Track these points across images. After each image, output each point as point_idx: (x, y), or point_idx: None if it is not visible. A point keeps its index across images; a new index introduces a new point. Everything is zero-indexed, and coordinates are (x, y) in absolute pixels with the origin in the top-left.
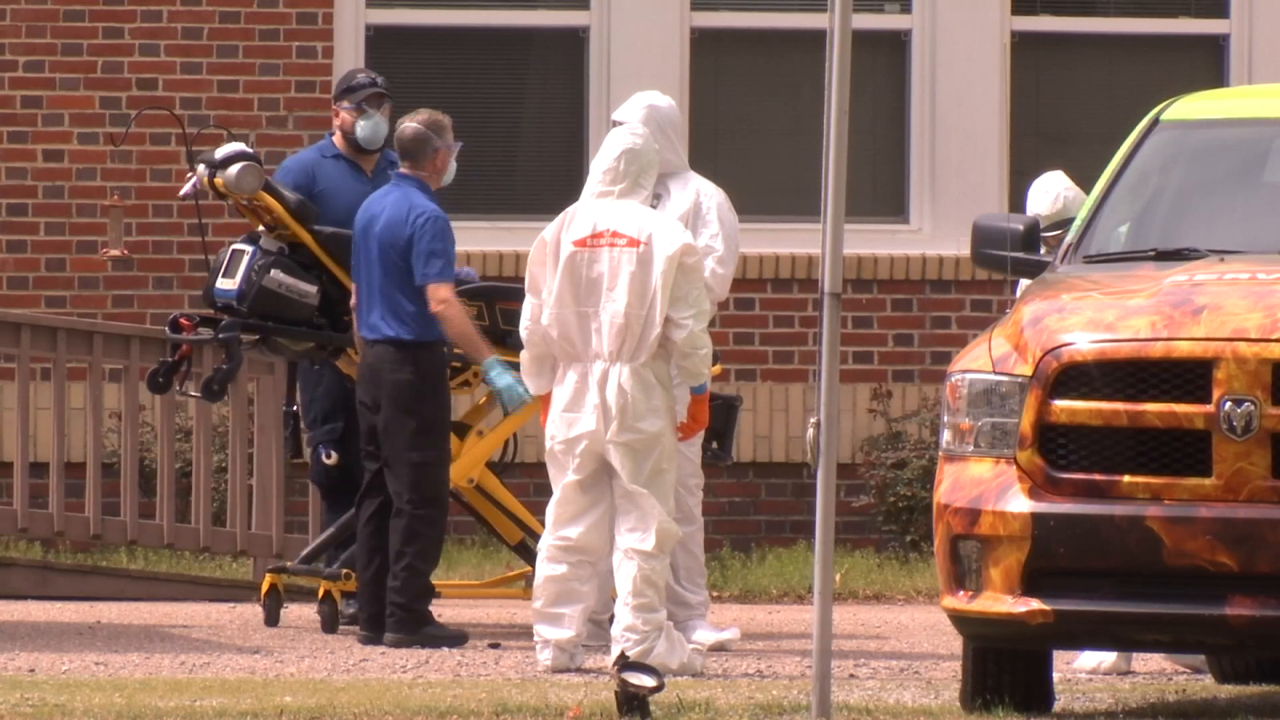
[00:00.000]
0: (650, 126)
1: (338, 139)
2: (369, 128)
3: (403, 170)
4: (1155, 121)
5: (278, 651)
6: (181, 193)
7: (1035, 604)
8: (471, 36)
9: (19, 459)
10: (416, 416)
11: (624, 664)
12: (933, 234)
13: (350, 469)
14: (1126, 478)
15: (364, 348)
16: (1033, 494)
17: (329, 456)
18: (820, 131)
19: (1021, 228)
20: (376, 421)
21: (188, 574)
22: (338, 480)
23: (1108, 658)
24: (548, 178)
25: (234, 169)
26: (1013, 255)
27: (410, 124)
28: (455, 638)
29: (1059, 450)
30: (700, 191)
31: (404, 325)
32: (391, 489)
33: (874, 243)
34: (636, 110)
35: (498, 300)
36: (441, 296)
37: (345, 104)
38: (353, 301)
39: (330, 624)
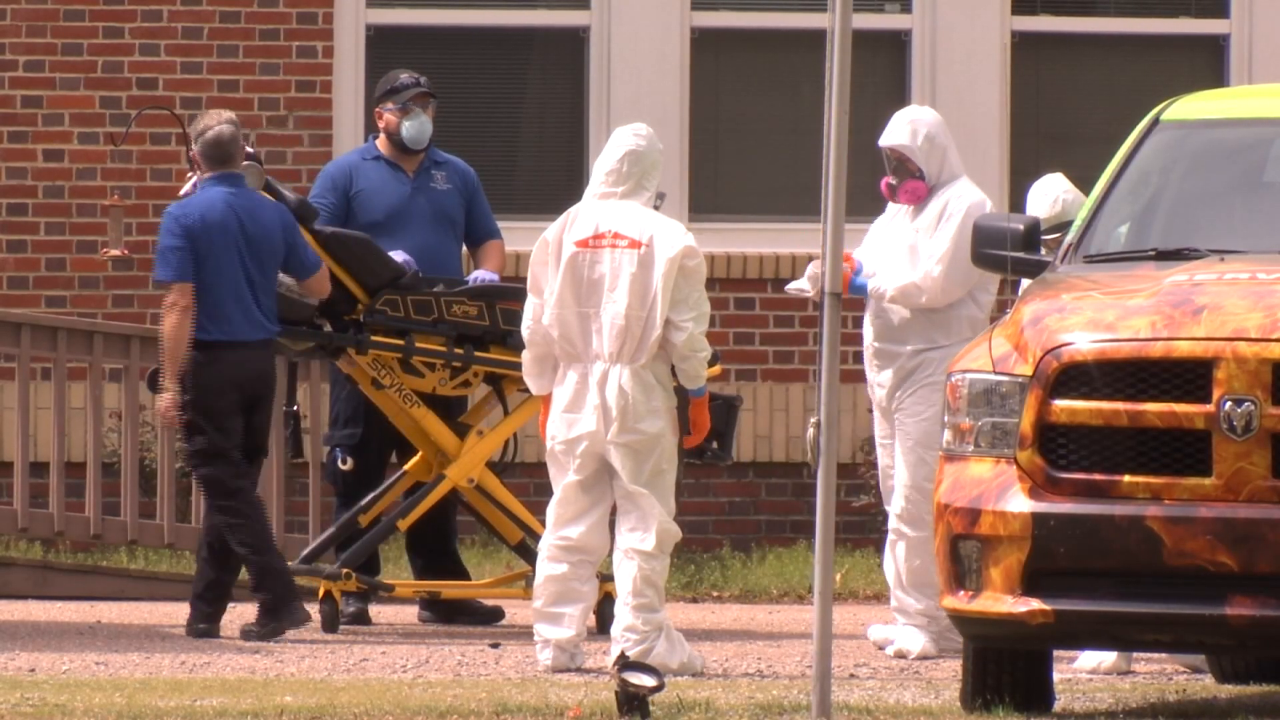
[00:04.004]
0: (921, 139)
1: (381, 141)
2: (414, 128)
3: (225, 171)
4: (1155, 121)
5: (278, 651)
6: (182, 193)
7: (1035, 604)
8: (471, 36)
9: (19, 459)
10: None
11: (624, 664)
12: None
13: (367, 473)
14: (1127, 478)
15: (245, 348)
16: (1033, 494)
17: (344, 462)
18: (820, 131)
19: (1022, 228)
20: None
21: (188, 574)
22: (352, 485)
23: (1108, 658)
24: (548, 178)
25: None
26: (1013, 255)
27: (224, 127)
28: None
29: (1059, 450)
30: (954, 198)
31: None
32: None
33: None
34: (903, 128)
35: (499, 300)
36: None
37: (389, 105)
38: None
39: (330, 624)
